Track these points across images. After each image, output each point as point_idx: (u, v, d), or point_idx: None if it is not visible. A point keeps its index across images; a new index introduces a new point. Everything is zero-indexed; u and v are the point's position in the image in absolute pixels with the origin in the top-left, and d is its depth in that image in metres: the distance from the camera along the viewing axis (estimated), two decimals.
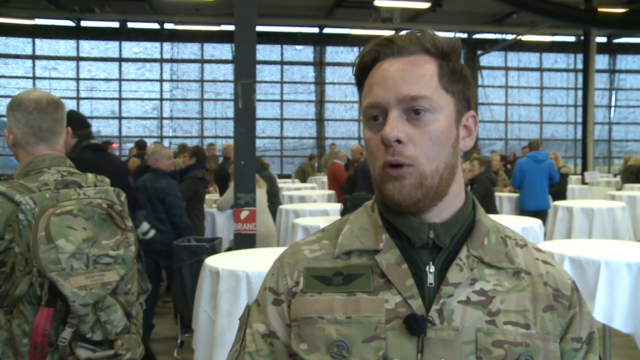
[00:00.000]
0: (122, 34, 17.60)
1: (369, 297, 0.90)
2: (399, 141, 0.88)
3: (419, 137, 0.89)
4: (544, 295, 0.92)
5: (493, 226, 0.97)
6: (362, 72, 0.96)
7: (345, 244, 0.96)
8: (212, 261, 3.19)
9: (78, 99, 17.71)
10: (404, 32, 0.96)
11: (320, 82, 18.55)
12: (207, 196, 7.03)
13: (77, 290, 1.66)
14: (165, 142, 17.26)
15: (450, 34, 19.15)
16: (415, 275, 0.91)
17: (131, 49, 17.97)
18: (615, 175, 15.47)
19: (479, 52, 18.80)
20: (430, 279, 0.91)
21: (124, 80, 17.90)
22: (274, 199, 7.47)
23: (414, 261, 0.92)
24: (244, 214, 4.70)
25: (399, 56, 0.92)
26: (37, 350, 1.66)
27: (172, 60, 17.97)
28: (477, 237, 0.94)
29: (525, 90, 19.68)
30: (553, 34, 17.43)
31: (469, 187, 7.00)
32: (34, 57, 17.51)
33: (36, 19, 16.20)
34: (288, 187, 10.31)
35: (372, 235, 0.95)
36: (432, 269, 0.91)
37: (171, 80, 18.04)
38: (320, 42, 18.41)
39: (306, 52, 18.62)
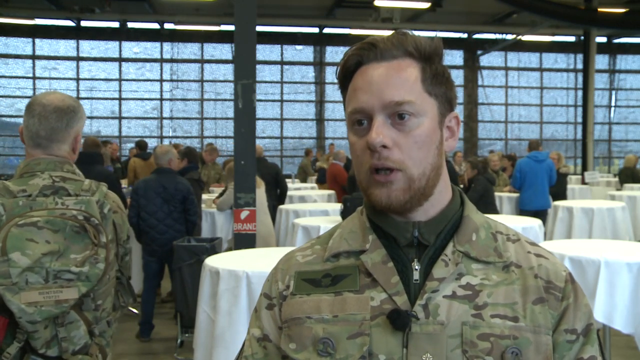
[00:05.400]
0: (122, 34, 17.60)
1: (355, 295, 0.92)
2: (384, 146, 0.89)
3: (405, 141, 0.90)
4: (534, 288, 0.92)
5: (484, 222, 0.98)
6: (346, 76, 0.98)
7: (334, 247, 0.99)
8: (212, 261, 3.18)
9: (78, 99, 17.68)
10: (385, 33, 0.96)
11: (320, 82, 18.57)
12: (206, 196, 7.04)
13: (25, 306, 1.62)
14: (165, 142, 17.25)
15: (450, 34, 19.13)
16: (401, 272, 0.92)
17: (131, 49, 17.98)
18: (615, 175, 15.47)
19: (479, 52, 18.80)
20: (416, 275, 0.92)
21: (124, 80, 17.91)
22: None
23: (400, 259, 0.93)
24: (244, 214, 4.70)
25: (382, 60, 0.93)
26: None
27: (172, 60, 17.98)
28: (464, 233, 0.95)
29: (525, 90, 19.69)
30: (553, 34, 17.43)
31: (467, 187, 6.99)
32: (34, 57, 17.52)
33: (36, 19, 16.21)
34: (288, 187, 10.29)
35: (360, 236, 0.98)
36: (418, 266, 0.92)
37: (171, 80, 18.05)
38: (320, 42, 18.41)
39: (306, 52, 18.62)
